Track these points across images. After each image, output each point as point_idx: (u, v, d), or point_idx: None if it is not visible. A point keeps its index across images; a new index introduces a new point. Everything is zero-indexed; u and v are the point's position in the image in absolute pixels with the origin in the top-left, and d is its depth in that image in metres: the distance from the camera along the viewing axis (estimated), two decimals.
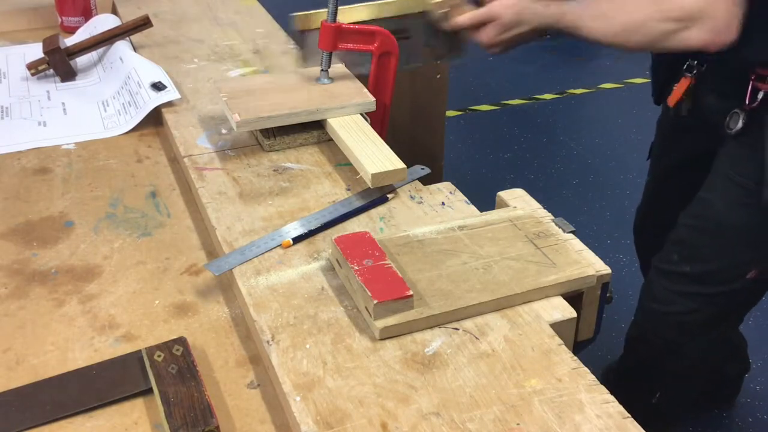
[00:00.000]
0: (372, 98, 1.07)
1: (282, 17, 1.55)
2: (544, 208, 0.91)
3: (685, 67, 1.21)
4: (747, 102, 1.12)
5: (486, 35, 1.16)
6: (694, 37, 1.00)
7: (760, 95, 1.10)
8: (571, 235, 0.86)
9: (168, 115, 1.15)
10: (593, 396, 0.67)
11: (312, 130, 1.07)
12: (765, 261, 1.25)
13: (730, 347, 1.73)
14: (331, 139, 1.07)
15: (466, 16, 1.17)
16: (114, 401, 0.71)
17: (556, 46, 3.62)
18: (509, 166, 2.85)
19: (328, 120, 1.05)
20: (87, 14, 1.48)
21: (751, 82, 1.11)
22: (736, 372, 1.80)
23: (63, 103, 1.23)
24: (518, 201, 0.92)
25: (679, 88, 1.23)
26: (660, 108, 1.42)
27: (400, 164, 0.96)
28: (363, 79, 1.11)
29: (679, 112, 1.26)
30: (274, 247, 0.86)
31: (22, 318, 0.81)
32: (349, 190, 0.98)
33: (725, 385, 1.83)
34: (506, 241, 0.85)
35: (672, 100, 1.24)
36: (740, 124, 1.13)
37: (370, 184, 0.95)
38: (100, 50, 1.36)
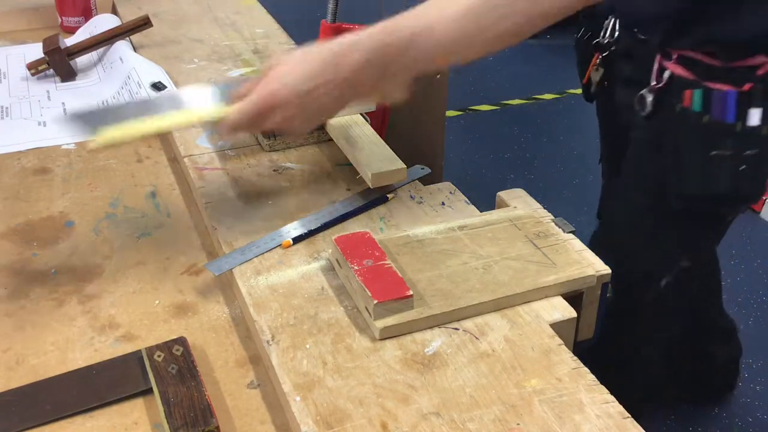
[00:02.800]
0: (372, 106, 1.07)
1: (282, 17, 1.56)
2: (544, 208, 0.91)
3: (594, 43, 1.24)
4: (654, 81, 1.09)
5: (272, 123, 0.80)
6: None
7: (666, 75, 1.07)
8: (571, 235, 0.86)
9: None
10: (593, 396, 0.67)
11: (312, 130, 1.07)
12: (692, 249, 1.24)
13: (716, 331, 1.69)
14: (331, 139, 1.07)
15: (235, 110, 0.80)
16: (114, 401, 0.71)
17: (555, 45, 3.62)
18: (509, 166, 2.85)
19: (328, 120, 1.05)
20: (87, 14, 1.48)
21: (656, 61, 1.09)
22: (726, 356, 1.76)
23: (63, 103, 1.23)
24: (518, 201, 0.92)
25: (591, 66, 1.26)
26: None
27: (400, 164, 0.96)
28: None
29: (590, 90, 1.28)
30: (274, 247, 0.86)
31: (22, 318, 0.81)
32: (349, 190, 0.98)
33: (718, 371, 1.80)
34: (506, 241, 0.85)
35: (585, 78, 1.28)
36: (649, 107, 1.10)
37: (370, 184, 0.95)
38: (100, 50, 1.36)
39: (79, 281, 0.86)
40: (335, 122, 1.05)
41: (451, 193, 0.97)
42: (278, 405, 0.71)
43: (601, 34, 1.24)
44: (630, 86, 1.16)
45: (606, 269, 0.81)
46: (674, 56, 1.05)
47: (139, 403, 0.71)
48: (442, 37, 0.78)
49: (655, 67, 1.08)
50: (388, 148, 0.99)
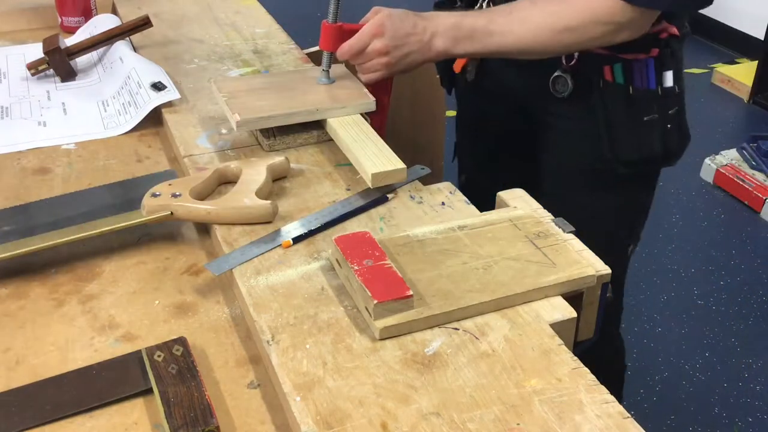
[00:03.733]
0: (372, 98, 1.07)
1: (282, 17, 1.56)
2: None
3: None
4: (565, 61, 1.11)
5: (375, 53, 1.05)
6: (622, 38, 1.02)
7: (575, 55, 1.09)
8: (571, 235, 0.86)
9: (168, 115, 1.15)
10: (593, 396, 0.67)
11: (312, 130, 1.07)
12: (637, 233, 1.27)
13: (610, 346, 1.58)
14: (331, 139, 1.07)
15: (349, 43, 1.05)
16: (114, 401, 0.71)
17: None
18: None
19: (329, 120, 1.05)
20: (87, 14, 1.48)
21: None
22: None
23: (63, 103, 1.23)
24: (518, 201, 0.92)
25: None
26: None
27: (400, 164, 0.96)
28: None
29: (466, 78, 1.24)
30: (274, 247, 0.86)
31: (22, 318, 0.81)
32: (349, 190, 0.98)
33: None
34: (506, 241, 0.85)
35: (456, 66, 1.22)
36: (570, 87, 1.11)
37: (370, 184, 0.95)
38: (100, 50, 1.36)
39: (79, 281, 0.86)
40: (335, 122, 1.05)
41: (451, 193, 0.97)
42: (278, 405, 0.71)
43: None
44: (524, 69, 1.15)
45: (606, 269, 0.81)
46: None
47: (139, 403, 0.71)
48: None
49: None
50: (388, 148, 0.99)
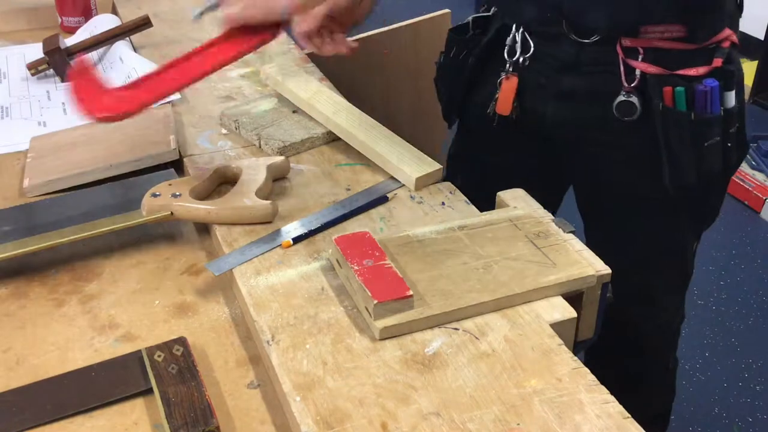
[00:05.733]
0: (173, 146, 1.03)
1: None
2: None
3: (507, 67, 1.09)
4: (627, 83, 1.01)
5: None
6: None
7: (637, 74, 1.00)
8: (571, 235, 0.86)
9: None
10: (593, 396, 0.67)
11: (316, 131, 1.07)
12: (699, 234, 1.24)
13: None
14: (333, 140, 1.07)
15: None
16: (114, 401, 0.71)
17: None
18: None
19: (344, 125, 1.05)
20: (87, 14, 1.48)
21: (621, 62, 1.01)
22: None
23: (63, 103, 1.23)
24: (518, 201, 0.92)
25: (506, 92, 1.09)
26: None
27: (436, 165, 0.97)
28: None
29: (510, 119, 1.11)
30: (274, 248, 0.86)
31: (22, 318, 0.81)
32: (349, 190, 0.98)
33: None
34: (506, 241, 0.85)
35: (505, 106, 1.10)
36: (639, 109, 1.02)
37: (412, 188, 0.96)
38: (100, 50, 1.36)
39: (79, 281, 0.86)
40: (351, 126, 1.04)
41: (451, 193, 0.97)
42: (278, 405, 0.71)
43: (506, 50, 1.08)
44: (571, 100, 1.06)
45: (606, 269, 0.81)
46: (641, 53, 1.00)
47: (139, 403, 0.71)
48: None
49: (622, 68, 1.01)
50: (415, 149, 0.99)
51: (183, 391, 0.69)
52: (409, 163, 0.98)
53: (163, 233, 0.93)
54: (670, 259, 1.21)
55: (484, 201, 0.95)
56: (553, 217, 0.89)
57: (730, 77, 1.01)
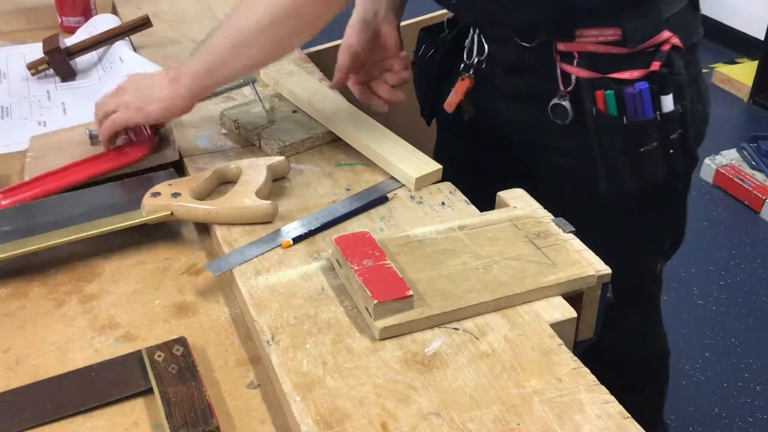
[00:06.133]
0: (173, 147, 1.04)
1: None
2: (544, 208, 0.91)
3: (462, 67, 1.11)
4: (563, 87, 1.01)
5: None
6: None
7: (572, 78, 1.00)
8: (571, 235, 0.86)
9: None
10: (593, 396, 0.67)
11: (315, 131, 1.07)
12: (665, 250, 1.18)
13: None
14: (332, 141, 1.07)
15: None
16: (114, 401, 0.71)
17: None
18: None
19: (342, 127, 1.05)
20: (87, 14, 1.48)
21: (558, 66, 1.00)
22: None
23: (63, 103, 1.23)
24: (518, 201, 0.92)
25: (457, 92, 1.11)
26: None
27: (436, 165, 0.98)
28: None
29: (461, 117, 1.14)
30: (274, 247, 0.86)
31: (22, 318, 0.81)
32: (349, 190, 0.98)
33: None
34: (506, 241, 0.85)
35: (451, 104, 1.12)
36: (571, 113, 1.01)
37: (412, 188, 0.96)
38: (100, 50, 1.36)
39: (79, 281, 0.86)
40: (351, 128, 1.04)
41: (451, 193, 0.97)
42: (278, 405, 0.71)
43: (465, 51, 1.11)
44: (519, 101, 1.07)
45: (606, 269, 0.81)
46: (576, 57, 0.99)
47: (139, 403, 0.71)
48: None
49: (558, 72, 1.00)
50: (416, 149, 1.00)
51: (183, 391, 0.69)
52: (409, 163, 0.98)
53: (163, 233, 0.93)
54: (621, 278, 1.12)
55: (468, 196, 0.98)
56: (553, 217, 0.89)
57: (667, 81, 0.98)
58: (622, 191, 1.04)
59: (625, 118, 0.98)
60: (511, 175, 1.11)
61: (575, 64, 1.00)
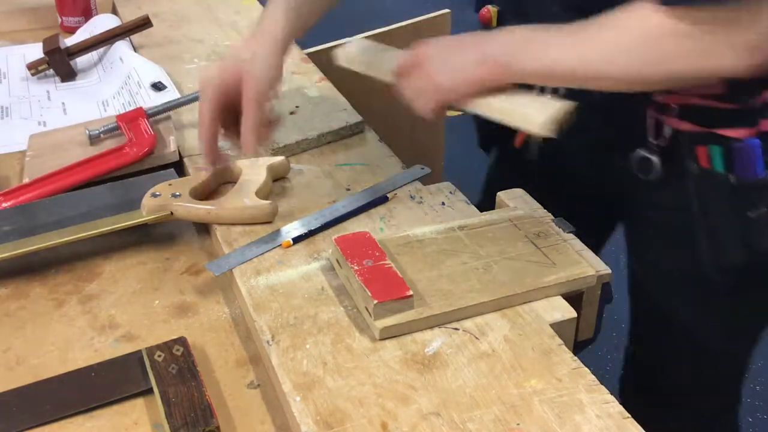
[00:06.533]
0: (173, 148, 1.04)
1: None
2: (544, 208, 0.91)
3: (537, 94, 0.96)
4: (653, 138, 0.88)
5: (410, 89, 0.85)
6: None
7: (667, 131, 0.88)
8: (571, 235, 0.86)
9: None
10: (593, 396, 0.67)
11: (310, 133, 1.07)
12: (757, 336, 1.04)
13: None
14: (330, 142, 1.07)
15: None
16: (114, 401, 0.71)
17: None
18: None
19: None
20: (87, 14, 1.48)
21: (648, 113, 0.88)
22: None
23: (63, 103, 1.23)
24: (518, 201, 0.92)
25: None
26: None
27: (558, 102, 0.82)
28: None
29: (527, 154, 1.01)
30: (275, 247, 0.86)
31: (22, 318, 0.81)
32: (349, 190, 0.98)
33: None
34: (506, 241, 0.85)
35: (518, 138, 1.00)
36: (659, 170, 0.89)
37: (543, 132, 0.79)
38: (100, 50, 1.36)
39: (79, 281, 0.86)
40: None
41: (451, 193, 0.97)
42: (278, 405, 0.71)
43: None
44: (597, 144, 0.96)
45: (606, 269, 0.81)
46: (675, 108, 0.87)
47: (139, 403, 0.71)
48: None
49: (649, 122, 0.88)
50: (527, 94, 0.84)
51: (183, 391, 0.69)
52: (527, 107, 0.82)
53: (163, 233, 0.93)
54: (704, 359, 1.03)
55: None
56: (553, 217, 0.89)
57: None
58: (726, 263, 0.90)
59: (732, 176, 0.86)
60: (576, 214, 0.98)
61: (675, 115, 0.87)
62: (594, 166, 1.00)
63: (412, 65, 0.84)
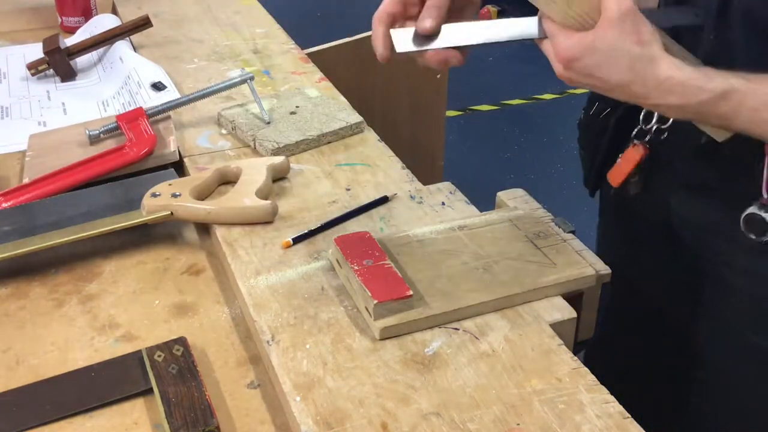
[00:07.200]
0: (173, 148, 1.03)
1: (282, 17, 1.56)
2: (545, 208, 0.91)
3: (634, 133, 0.88)
4: (765, 194, 0.76)
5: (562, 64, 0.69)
6: None
7: None
8: (571, 235, 0.86)
9: None
10: (593, 396, 0.67)
11: (310, 134, 1.07)
12: None
13: None
14: (330, 142, 1.07)
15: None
16: (114, 401, 0.71)
17: None
18: (509, 166, 2.85)
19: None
20: (87, 14, 1.48)
21: (765, 165, 0.75)
22: None
23: (63, 103, 1.23)
24: (518, 201, 0.92)
25: (627, 162, 0.88)
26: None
27: None
28: None
29: (626, 193, 0.92)
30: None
31: (22, 318, 0.81)
32: (349, 190, 0.98)
33: None
34: (506, 241, 0.85)
35: (616, 176, 0.90)
36: None
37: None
38: (100, 50, 1.36)
39: (79, 281, 0.86)
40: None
41: (451, 193, 0.97)
42: (278, 405, 0.71)
43: (643, 113, 0.87)
44: (701, 195, 0.85)
45: (606, 269, 0.81)
46: None
47: (139, 403, 0.71)
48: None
49: (765, 174, 0.76)
50: None
51: (183, 391, 0.69)
52: None
53: (163, 233, 0.93)
54: None
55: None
56: (553, 217, 0.89)
57: None
58: None
59: None
60: (668, 272, 0.94)
61: None
62: (694, 215, 0.88)
63: (580, 46, 0.67)
